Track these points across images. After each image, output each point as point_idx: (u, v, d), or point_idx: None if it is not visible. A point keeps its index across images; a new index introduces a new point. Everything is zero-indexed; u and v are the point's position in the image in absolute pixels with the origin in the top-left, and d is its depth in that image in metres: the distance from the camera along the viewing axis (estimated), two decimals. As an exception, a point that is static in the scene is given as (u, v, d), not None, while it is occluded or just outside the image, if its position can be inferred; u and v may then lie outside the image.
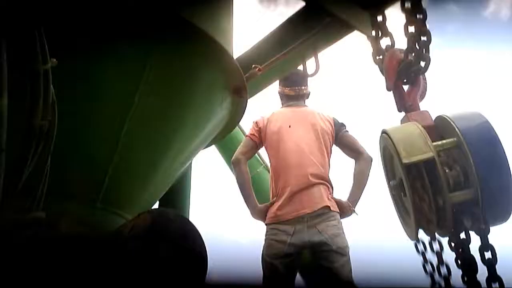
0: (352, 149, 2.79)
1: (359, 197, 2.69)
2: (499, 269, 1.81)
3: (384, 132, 2.02)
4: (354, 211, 2.67)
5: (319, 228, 2.52)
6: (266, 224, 2.70)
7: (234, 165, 2.84)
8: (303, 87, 3.04)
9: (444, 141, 1.89)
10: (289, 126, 2.82)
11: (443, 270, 2.01)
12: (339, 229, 2.55)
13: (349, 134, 2.84)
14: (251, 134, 2.91)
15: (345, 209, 2.65)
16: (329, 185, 2.70)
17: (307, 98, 3.07)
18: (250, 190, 2.80)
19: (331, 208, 2.59)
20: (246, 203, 2.80)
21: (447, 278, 1.98)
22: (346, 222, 2.69)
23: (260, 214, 2.74)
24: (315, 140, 2.76)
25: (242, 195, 2.81)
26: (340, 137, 2.82)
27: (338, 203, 2.66)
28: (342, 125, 2.87)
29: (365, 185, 2.70)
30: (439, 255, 2.00)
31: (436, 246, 2.03)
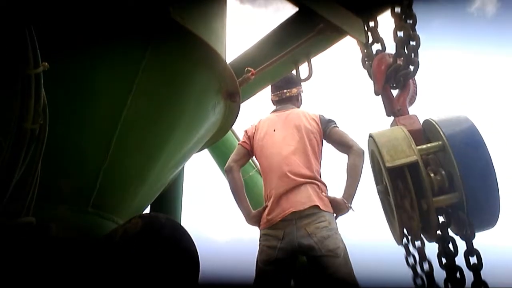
0: (342, 144, 2.76)
1: (354, 193, 2.64)
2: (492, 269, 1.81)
3: (370, 136, 2.02)
4: (350, 207, 2.63)
5: (308, 230, 2.50)
6: (260, 230, 2.70)
7: (227, 173, 2.87)
8: (285, 91, 3.07)
9: (429, 145, 1.90)
10: (274, 131, 2.85)
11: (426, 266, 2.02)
12: (329, 230, 2.51)
13: (337, 129, 2.81)
14: (242, 141, 2.96)
15: (340, 206, 2.62)
16: (319, 184, 2.67)
17: (297, 99, 3.06)
18: (243, 197, 2.82)
19: (321, 207, 2.55)
20: (240, 209, 2.81)
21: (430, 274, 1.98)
22: (344, 221, 2.67)
23: (254, 219, 2.74)
24: (298, 141, 2.76)
25: (236, 202, 2.82)
26: (328, 133, 2.80)
27: (332, 200, 2.63)
28: (330, 121, 2.84)
29: (359, 179, 2.65)
30: (422, 255, 2.01)
31: (420, 250, 2.03)
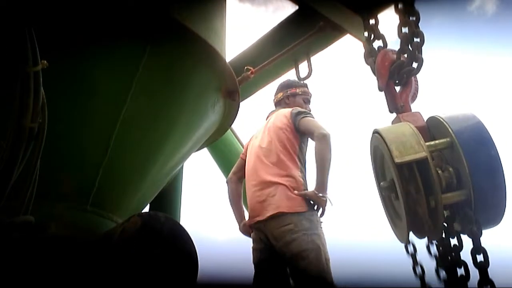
0: (307, 132, 2.71)
1: (325, 181, 2.55)
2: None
3: (376, 132, 2.00)
4: (324, 198, 2.53)
5: (275, 234, 2.50)
6: None
7: (227, 184, 2.94)
8: (274, 98, 3.11)
9: (437, 142, 1.88)
10: (255, 138, 2.89)
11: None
12: (294, 233, 2.45)
13: (304, 119, 2.74)
14: (242, 154, 3.01)
15: (312, 199, 2.54)
16: (287, 184, 2.59)
17: (285, 102, 3.04)
18: (239, 208, 2.90)
19: (285, 211, 2.52)
20: (235, 219, 2.88)
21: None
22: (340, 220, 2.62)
23: (244, 228, 2.79)
24: (269, 142, 2.76)
25: (232, 212, 2.90)
26: (297, 126, 2.76)
27: (306, 195, 2.55)
28: (298, 113, 2.79)
29: (327, 165, 2.56)
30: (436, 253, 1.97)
31: (433, 248, 2.01)
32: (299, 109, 2.82)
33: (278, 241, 2.47)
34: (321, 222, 2.58)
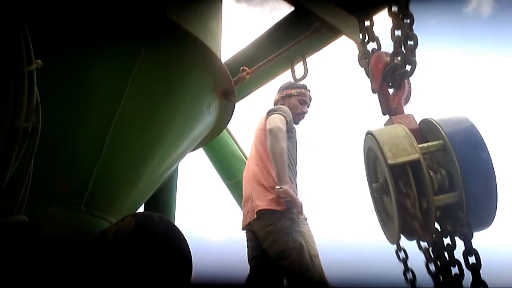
0: None
1: (280, 174, 2.56)
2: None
3: (369, 133, 2.01)
4: (281, 188, 2.52)
5: (260, 236, 2.54)
6: None
7: None
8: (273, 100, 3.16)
9: (429, 144, 1.89)
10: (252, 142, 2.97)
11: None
12: (276, 233, 2.49)
13: (269, 117, 2.80)
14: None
15: (278, 194, 2.56)
16: (268, 181, 2.64)
17: (282, 104, 3.08)
18: None
19: (263, 208, 2.53)
20: None
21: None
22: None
23: None
24: (255, 144, 2.85)
25: None
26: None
27: (277, 193, 2.57)
28: (268, 112, 2.85)
29: (278, 158, 2.58)
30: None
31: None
32: (272, 108, 2.87)
33: (263, 242, 2.51)
34: (306, 218, 2.58)
